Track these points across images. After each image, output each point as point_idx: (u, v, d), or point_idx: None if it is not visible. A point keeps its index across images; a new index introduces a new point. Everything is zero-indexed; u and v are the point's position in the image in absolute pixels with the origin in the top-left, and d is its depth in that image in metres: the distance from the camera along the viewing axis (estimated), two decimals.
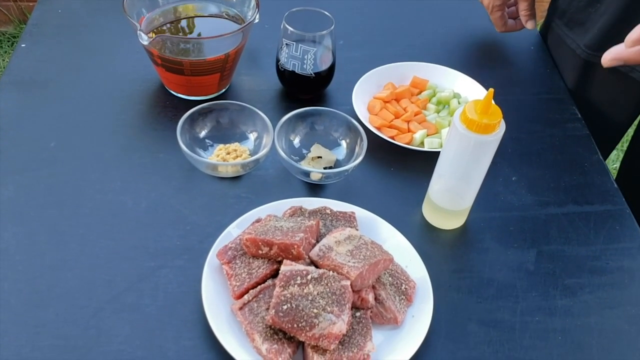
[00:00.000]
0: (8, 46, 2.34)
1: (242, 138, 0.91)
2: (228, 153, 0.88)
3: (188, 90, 0.96)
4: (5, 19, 2.34)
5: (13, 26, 2.36)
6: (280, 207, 0.81)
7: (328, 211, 0.80)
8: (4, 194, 0.81)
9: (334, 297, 0.66)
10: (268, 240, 0.71)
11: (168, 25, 0.96)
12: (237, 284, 0.70)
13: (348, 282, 0.67)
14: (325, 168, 0.89)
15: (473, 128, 0.71)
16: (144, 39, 0.84)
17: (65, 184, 0.83)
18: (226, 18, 0.99)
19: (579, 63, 1.07)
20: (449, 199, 0.81)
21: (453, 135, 0.74)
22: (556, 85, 1.08)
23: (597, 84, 1.07)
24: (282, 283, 0.66)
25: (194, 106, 0.88)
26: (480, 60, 1.13)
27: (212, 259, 0.73)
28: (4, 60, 2.28)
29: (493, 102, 0.71)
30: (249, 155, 0.89)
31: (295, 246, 0.70)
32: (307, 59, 0.94)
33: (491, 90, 0.70)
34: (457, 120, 0.73)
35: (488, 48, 1.16)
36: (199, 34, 0.97)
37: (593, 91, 1.08)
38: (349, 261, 0.69)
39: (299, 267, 0.68)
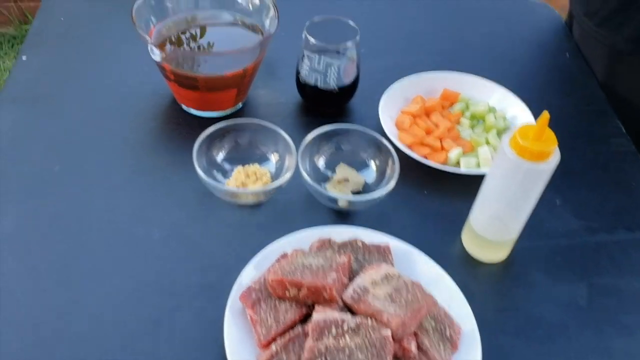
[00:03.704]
0: (8, 47, 2.27)
1: (262, 159, 0.83)
2: (247, 176, 0.81)
3: (202, 105, 0.89)
4: (5, 20, 2.26)
5: (13, 27, 2.28)
6: (306, 238, 0.73)
7: (360, 244, 0.73)
8: (3, 224, 0.74)
9: (373, 349, 0.59)
10: (296, 281, 0.64)
11: (180, 35, 0.89)
12: (264, 331, 0.63)
13: (389, 332, 0.60)
14: (353, 192, 0.81)
15: (525, 155, 0.64)
16: (157, 55, 0.77)
17: (70, 212, 0.76)
18: (241, 27, 0.91)
19: (613, 57, 1.02)
20: (494, 229, 0.73)
21: (501, 161, 0.67)
22: (596, 95, 1.01)
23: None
24: (316, 334, 0.59)
25: (209, 122, 0.81)
26: (512, 68, 1.05)
27: (234, 301, 0.66)
28: (3, 62, 2.21)
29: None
30: (270, 178, 0.81)
31: (328, 289, 0.63)
32: (330, 73, 0.87)
33: (546, 114, 0.63)
34: (507, 145, 0.65)
35: (520, 55, 1.09)
36: (213, 45, 0.89)
37: (629, 84, 1.03)
38: (388, 307, 0.62)
39: (334, 315, 0.61)
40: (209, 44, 0.88)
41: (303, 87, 0.91)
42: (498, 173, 0.69)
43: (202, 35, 0.90)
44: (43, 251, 0.72)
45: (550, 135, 0.65)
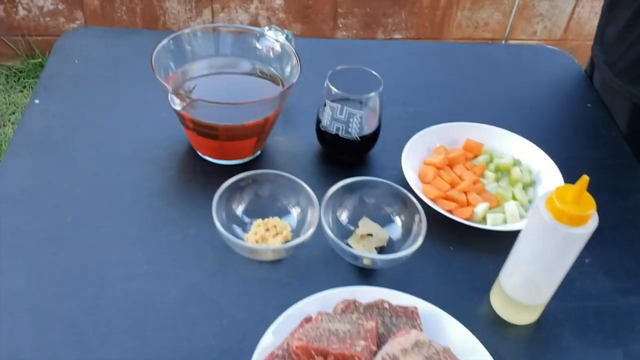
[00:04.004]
0: (14, 81, 2.25)
1: (282, 211, 0.81)
2: (267, 230, 0.78)
3: (221, 154, 0.86)
4: (13, 54, 2.25)
5: (20, 61, 2.27)
6: (329, 299, 0.70)
7: (386, 305, 0.69)
8: (14, 281, 0.71)
9: None
10: (322, 349, 0.61)
11: (199, 82, 0.87)
12: None
13: None
14: (376, 247, 0.78)
15: (563, 219, 0.61)
16: (177, 104, 0.75)
17: (84, 268, 0.73)
18: (262, 74, 0.89)
19: (634, 108, 1.00)
20: (526, 292, 0.70)
21: (536, 224, 0.64)
22: (620, 149, 0.99)
23: None
24: None
25: (226, 170, 0.79)
26: (534, 119, 1.03)
27: None
28: (9, 96, 2.19)
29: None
30: (291, 232, 0.79)
31: (356, 358, 0.60)
32: (353, 122, 0.85)
33: (585, 177, 0.61)
34: (543, 208, 0.63)
35: (542, 106, 1.07)
36: (235, 93, 0.87)
37: None
38: None
39: None
40: (229, 91, 0.86)
41: (324, 136, 0.89)
42: (532, 235, 0.66)
43: (222, 83, 0.88)
44: (54, 310, 0.69)
45: (589, 198, 0.62)
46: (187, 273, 0.74)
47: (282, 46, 0.88)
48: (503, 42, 2.46)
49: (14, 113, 2.14)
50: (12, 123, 2.10)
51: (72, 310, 0.69)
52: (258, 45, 0.89)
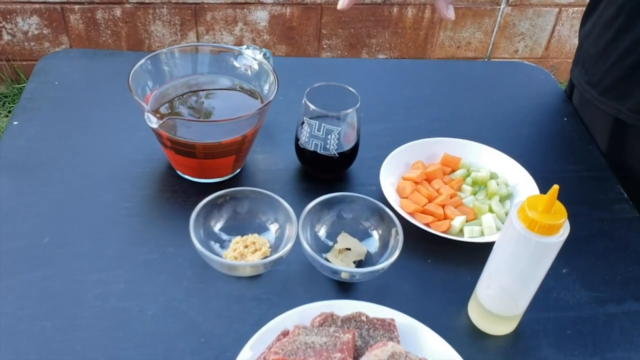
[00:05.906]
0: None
1: (261, 228, 0.81)
2: (246, 246, 0.78)
3: (199, 173, 0.87)
4: None
5: (5, 85, 2.28)
6: (307, 313, 0.70)
7: (364, 318, 0.70)
8: None
9: None
10: None
11: (177, 101, 0.87)
12: None
13: None
14: (355, 262, 0.79)
15: (534, 228, 0.62)
16: (153, 122, 0.75)
17: (60, 288, 0.73)
18: (240, 92, 0.90)
19: (616, 126, 1.00)
20: (502, 303, 0.71)
21: (509, 234, 0.65)
22: (597, 161, 1.00)
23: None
24: None
25: (206, 189, 0.79)
26: (511, 133, 1.05)
27: None
28: None
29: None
30: (270, 247, 0.79)
31: None
32: (331, 139, 0.86)
33: (556, 187, 0.62)
34: (515, 218, 0.64)
35: (519, 120, 1.08)
36: (212, 111, 0.88)
37: (633, 153, 1.00)
38: None
39: None
40: (207, 109, 0.87)
41: (302, 153, 0.90)
42: (506, 245, 0.67)
43: (200, 101, 0.88)
44: (29, 331, 0.68)
45: (560, 207, 0.63)
46: (165, 291, 0.74)
47: (260, 64, 0.89)
48: (485, 60, 2.49)
49: None
50: None
51: (47, 331, 0.68)
52: (236, 64, 0.90)
